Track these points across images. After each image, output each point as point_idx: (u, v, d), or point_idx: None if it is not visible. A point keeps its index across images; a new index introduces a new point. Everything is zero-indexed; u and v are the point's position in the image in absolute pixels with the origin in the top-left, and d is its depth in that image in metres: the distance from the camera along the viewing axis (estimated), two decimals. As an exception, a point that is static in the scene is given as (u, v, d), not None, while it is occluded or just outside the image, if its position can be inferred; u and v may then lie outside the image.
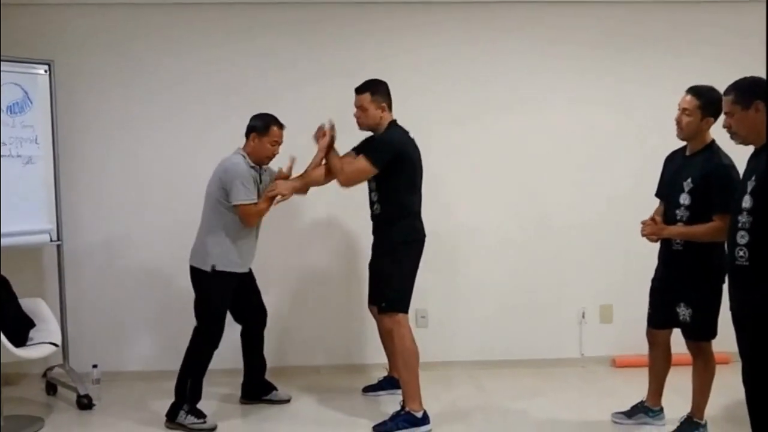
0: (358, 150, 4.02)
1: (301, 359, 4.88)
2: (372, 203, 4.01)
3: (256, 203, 3.87)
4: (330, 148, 3.92)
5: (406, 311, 3.90)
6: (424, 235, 3.96)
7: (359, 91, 3.93)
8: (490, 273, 4.95)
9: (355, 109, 3.95)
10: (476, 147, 4.89)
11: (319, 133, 3.94)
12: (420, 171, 3.93)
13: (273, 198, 3.89)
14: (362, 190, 4.03)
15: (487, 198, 4.94)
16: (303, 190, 4.06)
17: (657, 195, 3.79)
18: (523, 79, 4.89)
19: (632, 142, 4.91)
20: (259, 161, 3.98)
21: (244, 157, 3.93)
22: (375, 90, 3.91)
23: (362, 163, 3.82)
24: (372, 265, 4.16)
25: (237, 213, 3.85)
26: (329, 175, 3.98)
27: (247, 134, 3.97)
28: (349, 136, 4.02)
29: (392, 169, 3.82)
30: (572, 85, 4.91)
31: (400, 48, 4.83)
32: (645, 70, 4.91)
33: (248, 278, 4.15)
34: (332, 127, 3.91)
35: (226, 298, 3.98)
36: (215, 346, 3.95)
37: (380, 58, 4.75)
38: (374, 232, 4.09)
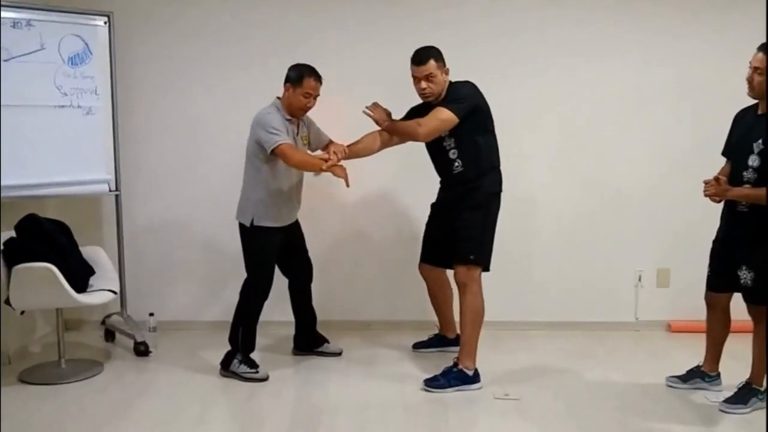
0: (414, 116, 3.94)
1: (352, 314, 4.90)
2: (449, 162, 3.90)
3: (290, 144, 3.76)
4: (389, 117, 3.93)
5: (488, 267, 3.91)
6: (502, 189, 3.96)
7: (423, 61, 3.75)
8: (547, 234, 4.89)
9: (418, 82, 3.79)
10: (534, 108, 4.77)
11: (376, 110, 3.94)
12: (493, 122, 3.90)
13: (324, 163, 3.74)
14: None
15: (545, 160, 4.84)
16: (353, 156, 3.91)
17: (723, 154, 3.65)
18: (577, 35, 4.74)
19: (694, 101, 4.74)
20: (293, 113, 3.89)
21: (278, 108, 3.87)
22: (437, 55, 3.80)
23: (445, 113, 3.73)
24: (448, 223, 3.96)
25: (277, 158, 3.76)
26: (388, 142, 3.95)
27: (285, 84, 3.89)
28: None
29: (472, 121, 3.78)
30: (627, 42, 4.73)
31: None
32: (707, 26, 4.71)
33: (295, 232, 4.16)
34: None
35: (269, 251, 3.98)
36: (264, 297, 3.98)
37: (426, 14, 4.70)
38: (452, 189, 3.99)
